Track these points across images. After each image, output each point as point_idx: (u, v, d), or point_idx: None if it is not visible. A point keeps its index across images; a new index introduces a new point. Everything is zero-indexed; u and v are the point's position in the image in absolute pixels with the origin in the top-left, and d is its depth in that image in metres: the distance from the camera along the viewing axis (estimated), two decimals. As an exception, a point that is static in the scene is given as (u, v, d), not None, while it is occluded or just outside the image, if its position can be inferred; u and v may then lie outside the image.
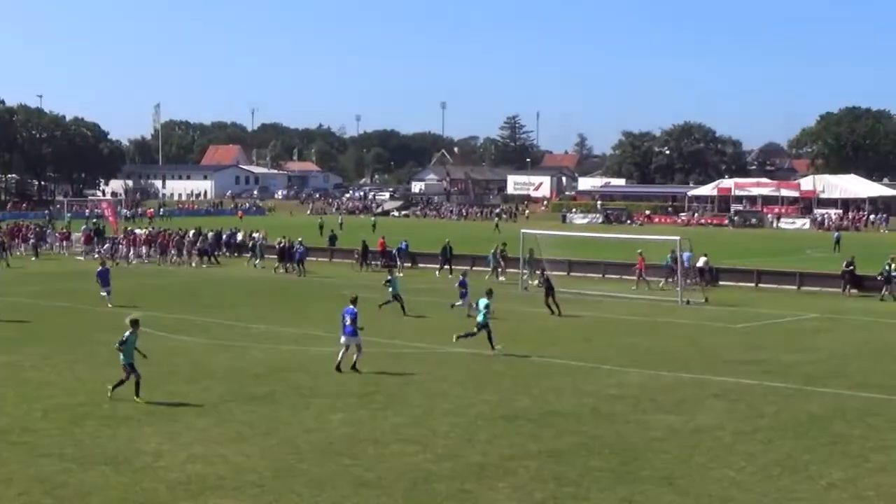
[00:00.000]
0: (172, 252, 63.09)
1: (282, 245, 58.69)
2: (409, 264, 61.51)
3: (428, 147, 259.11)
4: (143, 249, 64.37)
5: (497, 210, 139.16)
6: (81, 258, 66.43)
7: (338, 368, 26.73)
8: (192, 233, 66.76)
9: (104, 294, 40.69)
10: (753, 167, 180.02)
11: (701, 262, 50.82)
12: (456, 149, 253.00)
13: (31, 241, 68.74)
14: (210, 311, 40.07)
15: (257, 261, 60.95)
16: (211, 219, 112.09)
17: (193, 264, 61.34)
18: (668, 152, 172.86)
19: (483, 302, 30.84)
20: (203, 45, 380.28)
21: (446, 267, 56.18)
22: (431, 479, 17.79)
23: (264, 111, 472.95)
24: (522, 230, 54.66)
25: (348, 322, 26.99)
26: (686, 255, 47.79)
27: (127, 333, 24.12)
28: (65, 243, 70.00)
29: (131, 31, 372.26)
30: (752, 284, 50.98)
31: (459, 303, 39.00)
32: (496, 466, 18.63)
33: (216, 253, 64.23)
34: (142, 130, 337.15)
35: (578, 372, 27.81)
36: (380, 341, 31.18)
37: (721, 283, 51.54)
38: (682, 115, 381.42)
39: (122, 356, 23.90)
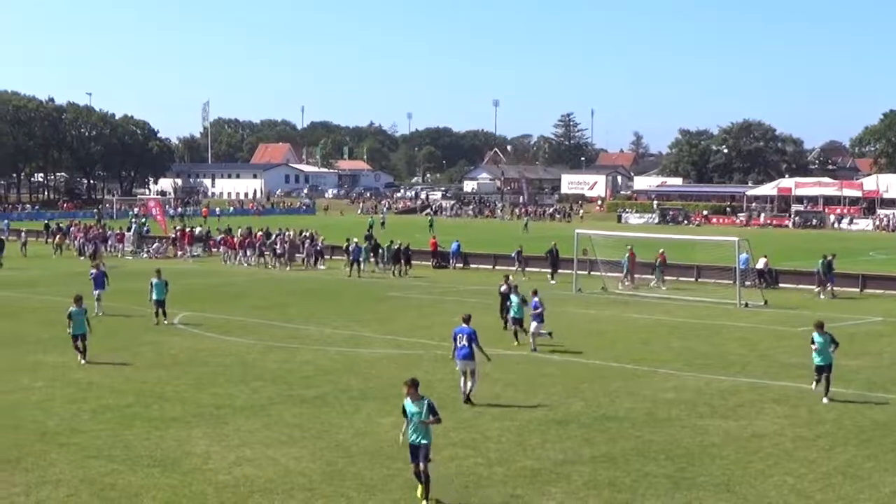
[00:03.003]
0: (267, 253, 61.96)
1: (398, 246, 57.61)
2: (461, 265, 61.24)
3: (480, 145, 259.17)
4: (244, 252, 62.74)
5: (526, 209, 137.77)
6: (130, 258, 66.84)
7: (466, 400, 23.55)
8: (289, 233, 65.90)
9: (95, 299, 37.66)
10: (815, 166, 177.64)
11: (760, 264, 50.04)
12: (509, 147, 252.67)
13: (86, 242, 68.99)
14: (259, 311, 40.01)
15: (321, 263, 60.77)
16: (263, 219, 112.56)
17: (305, 266, 60.33)
18: (726, 151, 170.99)
19: (515, 298, 32.06)
20: (252, 43, 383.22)
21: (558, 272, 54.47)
22: (483, 484, 17.52)
23: (314, 109, 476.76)
24: (577, 230, 54.19)
25: (463, 343, 23.86)
26: (743, 256, 47.09)
27: (71, 308, 28.35)
28: (118, 245, 70.27)
29: (180, 29, 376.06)
30: (814, 287, 50.07)
31: (539, 327, 31.87)
32: (549, 471, 18.31)
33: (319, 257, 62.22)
34: (191, 128, 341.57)
35: (633, 375, 27.36)
36: (429, 343, 30.93)
37: (781, 285, 50.71)
38: (741, 112, 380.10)
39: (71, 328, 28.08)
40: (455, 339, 24.07)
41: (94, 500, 16.49)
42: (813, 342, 24.51)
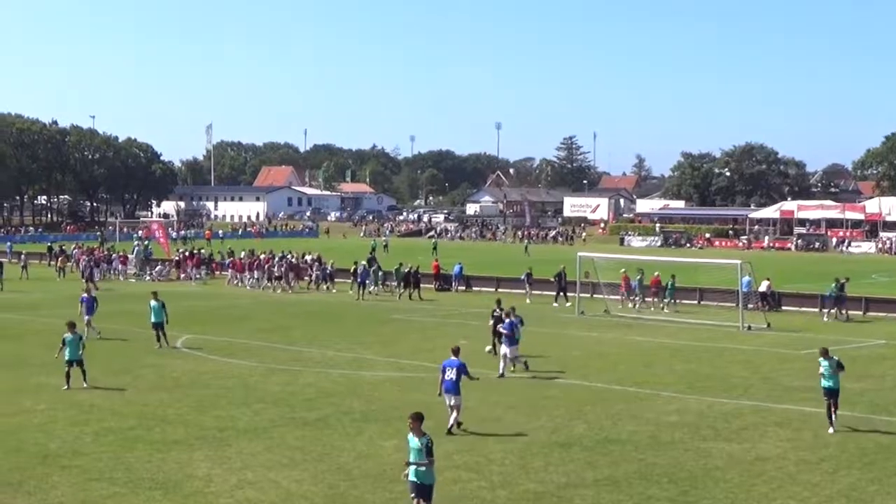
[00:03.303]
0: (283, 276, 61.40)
1: (409, 269, 57.58)
2: (464, 287, 61.18)
3: (483, 168, 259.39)
4: (251, 274, 62.42)
5: (528, 232, 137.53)
6: (133, 280, 66.82)
7: (449, 431, 22.75)
8: (308, 257, 65.83)
9: (86, 324, 37.08)
10: (817, 189, 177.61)
11: (763, 287, 50.00)
12: (511, 170, 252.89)
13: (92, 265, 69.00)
14: (262, 334, 39.97)
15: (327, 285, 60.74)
16: (264, 241, 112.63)
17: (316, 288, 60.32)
18: (728, 174, 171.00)
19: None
20: (255, 66, 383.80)
21: (562, 294, 54.25)
22: (485, 508, 17.43)
23: (317, 131, 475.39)
24: (579, 253, 54.24)
25: (451, 376, 23.05)
26: (746, 279, 47.06)
27: (66, 335, 28.15)
28: (121, 266, 70.20)
29: (183, 52, 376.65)
30: (816, 309, 50.00)
31: (513, 351, 30.89)
32: (552, 495, 18.26)
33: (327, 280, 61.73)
34: (194, 151, 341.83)
35: (636, 398, 27.29)
36: (431, 366, 30.86)
37: (784, 307, 50.65)
38: (743, 135, 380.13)
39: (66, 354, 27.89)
40: (443, 372, 23.21)
41: (95, 523, 16.44)
42: (820, 366, 24.17)
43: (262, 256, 64.66)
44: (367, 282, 56.31)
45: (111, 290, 59.12)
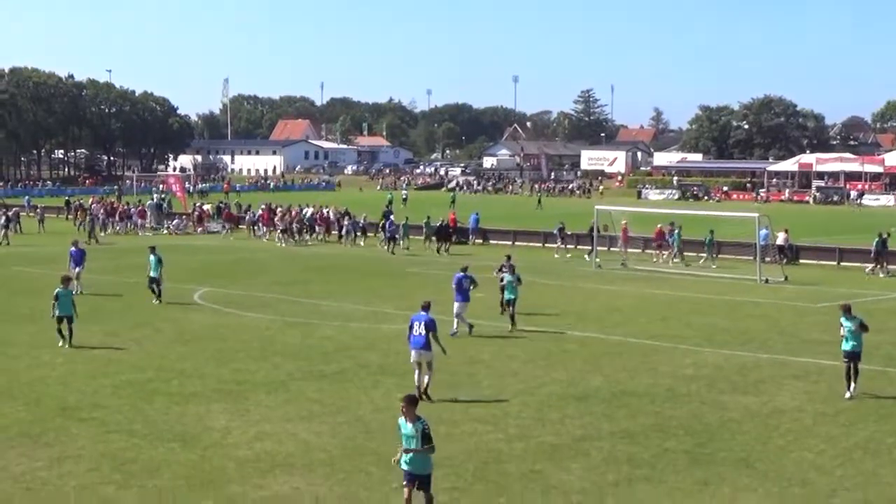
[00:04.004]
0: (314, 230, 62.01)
1: (441, 223, 57.63)
2: (481, 240, 61.14)
3: (500, 121, 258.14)
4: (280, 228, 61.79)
5: (540, 185, 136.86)
6: (150, 234, 66.95)
7: (421, 395, 20.84)
8: (325, 210, 65.90)
9: (75, 277, 36.28)
10: (836, 142, 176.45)
11: (781, 239, 49.83)
12: (528, 123, 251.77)
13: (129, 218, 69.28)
14: (280, 287, 40.07)
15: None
16: (281, 194, 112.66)
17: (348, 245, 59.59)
18: (746, 127, 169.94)
19: (509, 277, 30.68)
20: (271, 19, 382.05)
21: (563, 246, 54.19)
22: (502, 459, 17.53)
23: (333, 85, 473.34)
24: (597, 206, 54.09)
25: (420, 332, 21.81)
26: (763, 232, 46.89)
27: (58, 290, 27.21)
28: (140, 221, 70.30)
29: (200, 5, 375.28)
30: (834, 262, 49.85)
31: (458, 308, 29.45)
32: (568, 447, 18.31)
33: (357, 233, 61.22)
34: (210, 105, 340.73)
35: (653, 351, 27.30)
36: (448, 319, 30.88)
37: (802, 261, 50.50)
38: (761, 88, 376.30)
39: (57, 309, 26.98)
40: (411, 327, 21.92)
41: (114, 474, 16.57)
42: (841, 326, 22.45)
43: (293, 211, 64.54)
44: (397, 236, 56.24)
45: (112, 243, 59.18)
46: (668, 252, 50.50)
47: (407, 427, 14.00)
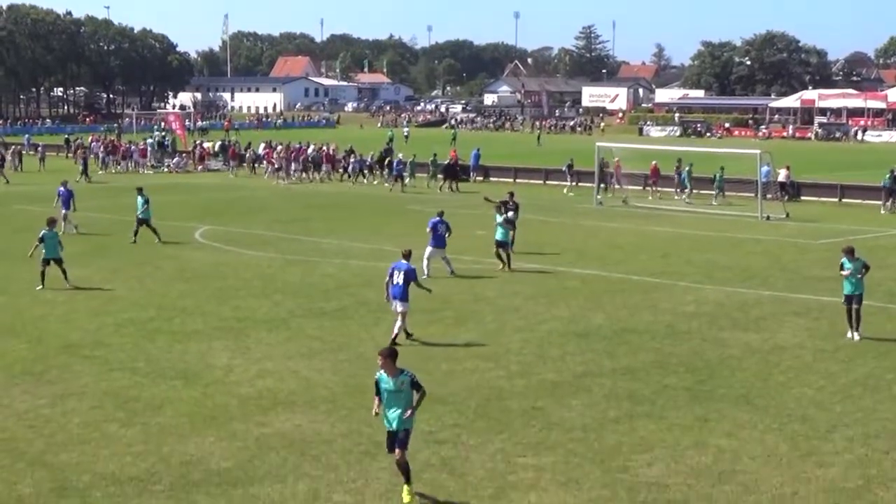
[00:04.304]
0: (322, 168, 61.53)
1: (451, 161, 57.50)
2: (481, 178, 60.97)
3: (501, 58, 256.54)
4: (294, 166, 61.50)
5: (540, 122, 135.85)
6: (150, 172, 66.72)
7: (394, 342, 20.36)
8: (327, 147, 65.52)
9: (63, 217, 36.17)
10: (839, 78, 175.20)
11: (782, 176, 49.69)
12: (529, 60, 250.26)
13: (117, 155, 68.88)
14: (280, 225, 40.05)
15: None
16: (283, 132, 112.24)
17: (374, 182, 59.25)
18: (748, 63, 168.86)
19: (499, 218, 30.00)
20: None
21: (573, 183, 54.27)
22: (504, 396, 17.60)
23: (333, 21, 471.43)
24: (597, 143, 53.90)
25: (398, 281, 21.07)
26: (765, 169, 46.75)
27: (43, 231, 26.68)
28: (142, 159, 69.91)
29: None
30: (836, 199, 49.80)
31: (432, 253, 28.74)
32: (569, 384, 18.38)
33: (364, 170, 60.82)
34: (210, 42, 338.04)
35: (654, 288, 27.32)
36: (449, 257, 30.85)
37: (803, 197, 50.46)
38: (764, 23, 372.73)
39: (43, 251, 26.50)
40: (391, 276, 21.20)
41: (117, 411, 16.65)
42: (842, 268, 21.91)
43: (300, 148, 64.20)
44: (404, 174, 56.01)
45: (107, 182, 58.95)
46: (678, 190, 50.38)
47: (388, 381, 13.13)
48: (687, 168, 50.19)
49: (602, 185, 50.06)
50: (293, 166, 61.23)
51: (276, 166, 60.82)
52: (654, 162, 51.81)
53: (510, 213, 31.29)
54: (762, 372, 19.22)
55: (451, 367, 19.39)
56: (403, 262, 21.40)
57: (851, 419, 16.46)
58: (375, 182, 58.77)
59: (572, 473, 14.07)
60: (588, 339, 21.71)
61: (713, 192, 49.41)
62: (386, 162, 58.78)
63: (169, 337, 21.60)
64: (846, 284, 21.82)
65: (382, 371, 13.17)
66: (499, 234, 29.88)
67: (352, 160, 60.91)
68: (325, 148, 64.17)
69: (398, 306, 21.02)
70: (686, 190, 49.87)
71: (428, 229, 28.99)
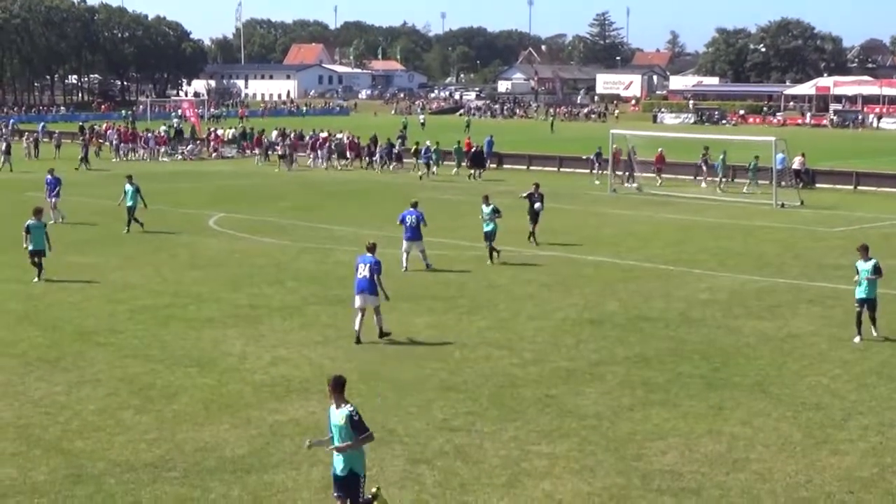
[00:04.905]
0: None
1: (475, 148, 57.26)
2: (495, 165, 60.83)
3: (514, 45, 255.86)
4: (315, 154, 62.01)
5: (554, 109, 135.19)
6: (166, 160, 66.78)
7: (360, 340, 20.13)
8: (340, 135, 65.55)
9: (52, 206, 36.02)
10: (854, 65, 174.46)
11: (797, 164, 49.50)
12: (543, 47, 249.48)
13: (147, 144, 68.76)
14: (295, 212, 40.07)
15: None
16: (299, 119, 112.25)
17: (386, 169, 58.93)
18: (763, 50, 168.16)
19: (486, 209, 29.10)
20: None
21: (602, 172, 53.06)
22: (517, 384, 17.61)
23: (347, 8, 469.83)
24: (612, 130, 53.74)
25: (364, 274, 20.32)
26: (780, 157, 46.56)
27: (29, 222, 26.09)
28: (162, 147, 69.58)
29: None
30: (851, 187, 49.59)
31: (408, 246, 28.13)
32: (583, 372, 18.37)
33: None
34: (224, 29, 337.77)
35: (668, 276, 27.27)
36: (461, 244, 30.92)
37: (818, 185, 50.26)
38: (779, 10, 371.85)
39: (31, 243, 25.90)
40: (356, 270, 20.52)
41: (132, 398, 16.70)
42: (857, 272, 20.82)
43: (323, 136, 64.14)
44: (431, 162, 55.75)
45: (107, 169, 58.68)
46: (705, 178, 50.25)
47: (335, 415, 11.35)
48: (721, 156, 49.59)
49: (626, 174, 49.98)
50: (317, 154, 61.42)
51: (280, 153, 60.84)
52: (659, 149, 51.59)
53: (537, 205, 31.36)
54: (776, 360, 19.17)
55: (464, 354, 19.40)
56: (368, 255, 20.62)
57: (866, 407, 16.41)
58: (394, 169, 58.43)
59: (586, 461, 14.07)
60: (602, 326, 21.68)
61: (746, 181, 48.91)
62: (428, 150, 58.45)
63: (183, 324, 21.65)
64: (857, 287, 20.85)
65: (332, 403, 11.49)
66: (487, 226, 28.97)
67: (379, 148, 60.75)
68: (343, 136, 63.97)
69: (367, 301, 20.19)
70: (719, 178, 49.40)
71: (398, 222, 28.33)
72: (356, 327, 20.25)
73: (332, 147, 61.65)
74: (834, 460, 14.15)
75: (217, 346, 19.91)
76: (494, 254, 28.83)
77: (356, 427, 11.15)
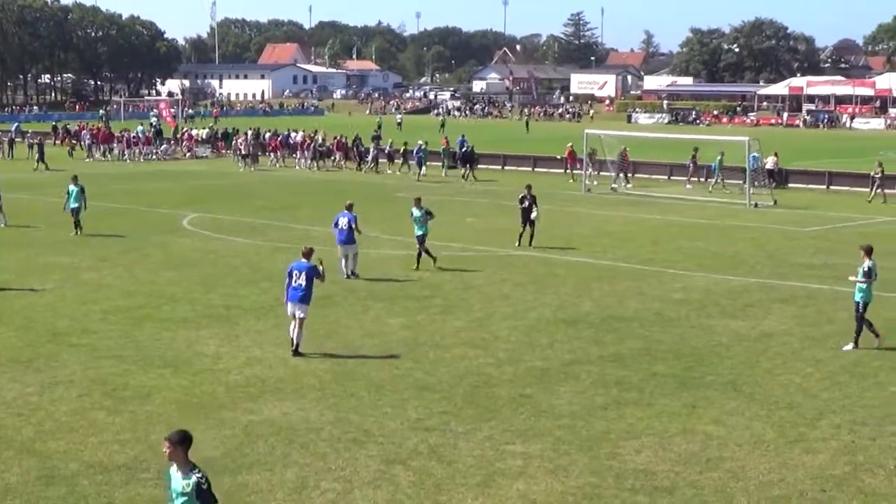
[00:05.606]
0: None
1: (465, 148, 56.67)
2: (461, 164, 60.62)
3: (489, 45, 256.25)
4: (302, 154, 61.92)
5: (529, 109, 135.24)
6: (141, 160, 66.40)
7: (296, 351, 19.29)
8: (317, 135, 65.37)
9: None
10: (827, 65, 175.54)
11: (770, 163, 49.77)
12: (518, 47, 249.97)
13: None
14: (268, 212, 39.97)
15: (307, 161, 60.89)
16: (275, 119, 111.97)
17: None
18: (737, 50, 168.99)
19: (418, 212, 27.89)
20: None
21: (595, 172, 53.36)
22: (492, 384, 17.61)
23: (322, 8, 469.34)
24: (586, 130, 53.89)
25: (300, 282, 19.45)
26: (753, 156, 46.79)
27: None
28: (144, 147, 69.11)
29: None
30: (824, 187, 49.92)
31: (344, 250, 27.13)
32: (557, 371, 18.40)
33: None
34: (198, 29, 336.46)
35: (642, 276, 27.36)
36: (436, 244, 30.83)
37: (791, 185, 50.57)
38: (752, 10, 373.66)
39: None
40: (290, 277, 19.52)
41: (105, 399, 16.61)
42: (858, 273, 20.21)
43: (308, 136, 63.95)
44: (414, 161, 55.41)
45: (64, 169, 58.12)
46: (696, 179, 50.58)
47: (177, 479, 9.41)
48: (719, 157, 49.39)
49: (617, 174, 50.11)
50: (304, 154, 61.44)
51: (243, 153, 60.73)
52: (623, 147, 51.59)
53: (533, 214, 31.01)
54: (750, 359, 19.27)
55: (439, 354, 19.40)
56: (304, 261, 19.76)
57: (838, 406, 16.51)
58: (389, 171, 58.10)
59: (560, 460, 14.10)
60: (576, 326, 21.73)
61: (712, 180, 49.40)
62: (362, 148, 58.26)
63: (157, 325, 21.56)
64: (856, 292, 20.25)
65: (172, 464, 9.52)
66: (418, 230, 27.85)
67: (372, 148, 60.59)
68: (319, 136, 63.87)
69: (298, 310, 19.26)
70: (714, 179, 49.43)
71: (332, 226, 27.29)
72: (290, 335, 19.49)
73: (316, 147, 61.51)
74: (806, 458, 14.23)
75: (191, 347, 19.84)
76: (431, 259, 27.61)
77: (204, 498, 9.32)
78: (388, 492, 13.05)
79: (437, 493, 13.04)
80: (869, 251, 20.29)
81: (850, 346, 19.97)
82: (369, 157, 59.58)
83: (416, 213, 27.89)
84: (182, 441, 9.45)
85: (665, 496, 12.99)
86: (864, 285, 20.04)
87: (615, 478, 13.52)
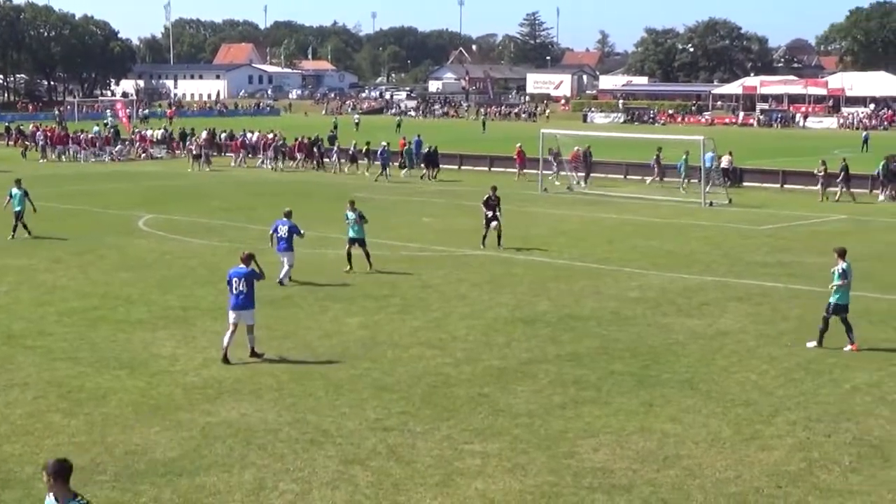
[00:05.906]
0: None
1: (429, 149, 56.56)
2: (423, 165, 60.67)
3: (445, 45, 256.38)
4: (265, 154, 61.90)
5: (485, 109, 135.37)
6: (93, 160, 65.81)
7: (227, 358, 18.77)
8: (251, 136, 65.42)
9: None
10: (780, 65, 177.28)
11: (725, 163, 50.14)
12: (474, 47, 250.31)
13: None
14: (225, 213, 39.79)
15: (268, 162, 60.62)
16: (232, 119, 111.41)
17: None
18: (691, 50, 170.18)
19: (352, 215, 27.60)
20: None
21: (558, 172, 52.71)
22: (450, 383, 17.63)
23: (277, 8, 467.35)
24: (542, 130, 54.03)
25: (240, 289, 19.03)
26: (708, 155, 47.10)
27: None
28: (106, 148, 68.44)
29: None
30: (778, 185, 50.36)
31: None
32: (515, 370, 18.46)
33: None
34: (152, 29, 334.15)
35: (599, 275, 27.49)
36: (394, 244, 30.94)
37: (745, 183, 51.01)
38: (706, 10, 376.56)
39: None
40: (230, 285, 19.12)
41: (61, 402, 16.47)
42: (834, 278, 20.07)
43: (270, 136, 63.68)
44: (378, 162, 54.86)
45: (9, 171, 57.44)
46: (658, 178, 50.81)
47: None
48: (684, 157, 49.57)
49: (585, 175, 50.27)
50: (271, 154, 61.11)
51: (195, 153, 60.51)
52: (576, 147, 51.78)
53: (493, 224, 30.86)
54: (706, 357, 19.41)
55: (397, 354, 19.41)
56: (242, 267, 19.34)
57: (793, 403, 16.68)
58: (358, 172, 57.70)
59: (518, 459, 14.15)
60: (533, 325, 21.80)
61: (677, 179, 49.51)
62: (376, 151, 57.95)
63: (113, 326, 21.40)
64: (833, 295, 20.05)
65: (49, 493, 8.93)
66: (352, 232, 27.56)
67: (334, 149, 60.36)
68: (277, 136, 63.65)
69: (241, 316, 18.97)
70: (681, 178, 49.41)
71: (270, 231, 26.63)
72: (225, 344, 18.95)
73: (278, 147, 61.23)
74: (762, 455, 14.36)
75: (147, 348, 19.72)
76: (367, 261, 27.33)
77: None
78: (346, 492, 13.04)
79: (395, 493, 13.04)
80: (842, 253, 20.24)
81: (813, 344, 20.11)
82: (332, 158, 59.36)
83: (351, 215, 27.58)
84: (59, 472, 8.83)
85: (623, 494, 13.06)
86: (839, 287, 20.00)
87: (573, 476, 13.59)
